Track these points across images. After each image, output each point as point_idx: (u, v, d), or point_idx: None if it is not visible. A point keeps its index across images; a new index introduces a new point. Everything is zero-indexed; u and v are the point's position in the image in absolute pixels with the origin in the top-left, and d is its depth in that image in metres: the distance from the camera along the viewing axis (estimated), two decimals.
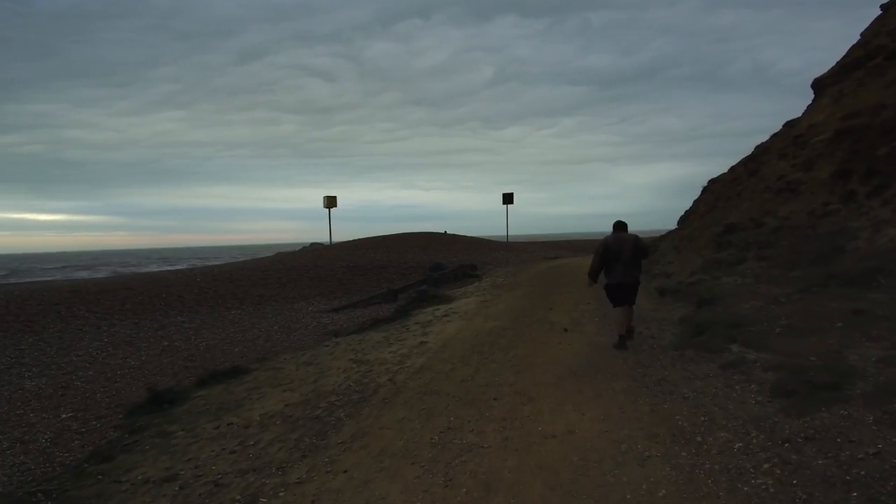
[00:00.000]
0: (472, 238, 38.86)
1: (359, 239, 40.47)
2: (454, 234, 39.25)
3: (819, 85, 13.40)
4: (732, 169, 14.49)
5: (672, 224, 24.20)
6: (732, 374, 4.93)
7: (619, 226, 7.34)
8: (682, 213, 16.91)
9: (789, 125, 14.16)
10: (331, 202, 48.23)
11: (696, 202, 15.02)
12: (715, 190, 13.77)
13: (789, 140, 11.99)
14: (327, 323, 15.43)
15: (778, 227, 9.50)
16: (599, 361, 6.25)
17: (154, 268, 54.44)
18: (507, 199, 36.30)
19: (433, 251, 32.47)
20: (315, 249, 42.25)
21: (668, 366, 5.61)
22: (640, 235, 7.68)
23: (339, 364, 8.69)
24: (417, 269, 26.83)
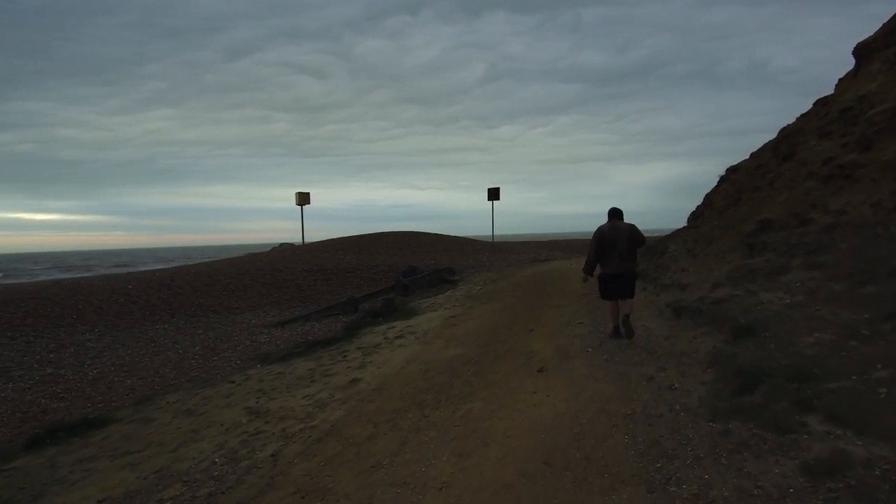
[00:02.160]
0: (453, 238, 36.55)
1: (330, 239, 38.15)
2: (436, 234, 36.97)
3: (864, 50, 11.35)
4: (756, 155, 12.42)
5: (672, 223, 22.02)
6: (834, 494, 2.77)
7: (615, 213, 7.09)
8: (688, 210, 14.87)
9: (822, 103, 12.13)
10: (303, 199, 46.16)
11: (710, 195, 12.93)
12: (737, 180, 11.68)
13: (833, 115, 9.93)
14: (264, 342, 13.17)
15: (831, 225, 7.40)
16: (591, 437, 4.08)
17: (142, 268, 52.09)
18: (493, 194, 33.97)
19: (409, 253, 30.21)
20: (282, 250, 39.85)
21: (706, 457, 3.45)
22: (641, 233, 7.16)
23: (227, 416, 6.47)
24: (389, 274, 24.62)
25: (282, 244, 47.03)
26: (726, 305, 6.77)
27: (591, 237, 7.13)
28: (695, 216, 13.24)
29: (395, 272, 24.47)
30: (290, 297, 21.16)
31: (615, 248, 6.83)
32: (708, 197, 13.13)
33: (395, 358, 8.35)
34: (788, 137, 11.29)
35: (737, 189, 11.26)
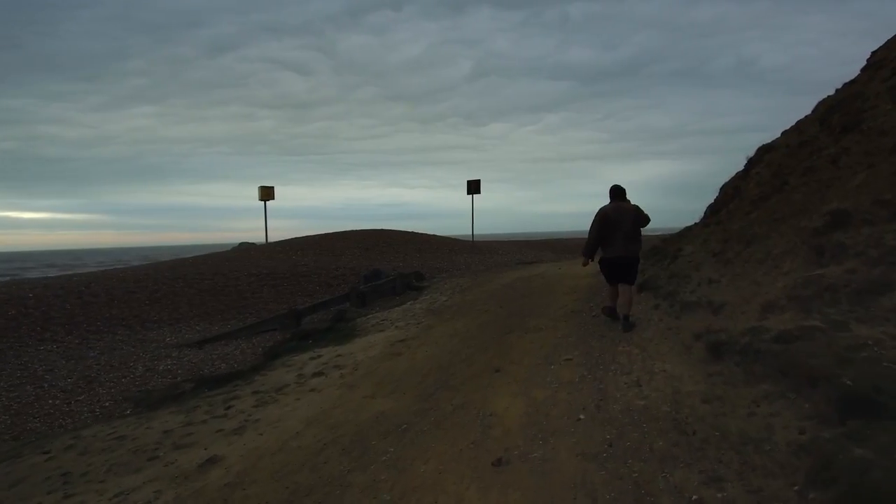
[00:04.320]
0: (429, 237, 33.95)
1: (292, 238, 35.54)
2: (410, 233, 34.42)
3: None
4: (795, 130, 10.10)
5: (667, 222, 19.58)
6: None
7: (618, 192, 6.97)
8: (683, 209, 12.53)
9: (877, 66, 9.85)
10: (266, 194, 43.69)
11: (737, 182, 10.55)
12: (774, 161, 9.35)
13: None
14: (161, 370, 10.62)
15: None
16: None
17: (109, 267, 48.31)
18: (473, 187, 31.42)
19: (377, 254, 27.69)
20: (238, 250, 37.17)
21: None
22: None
23: None
24: (351, 279, 22.13)
25: (241, 243, 44.23)
26: (803, 346, 4.37)
27: (583, 239, 7.12)
28: (715, 209, 10.88)
29: (357, 276, 22.02)
30: (225, 308, 18.56)
31: (619, 230, 6.77)
32: (733, 185, 10.77)
33: (295, 414, 5.89)
34: (843, 104, 8.97)
35: (775, 172, 8.91)
